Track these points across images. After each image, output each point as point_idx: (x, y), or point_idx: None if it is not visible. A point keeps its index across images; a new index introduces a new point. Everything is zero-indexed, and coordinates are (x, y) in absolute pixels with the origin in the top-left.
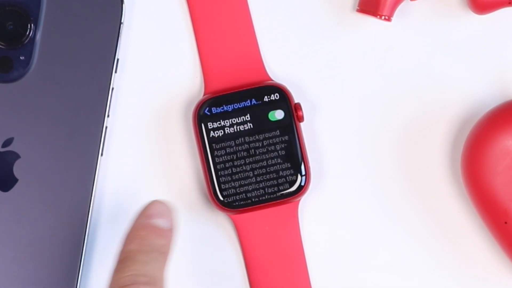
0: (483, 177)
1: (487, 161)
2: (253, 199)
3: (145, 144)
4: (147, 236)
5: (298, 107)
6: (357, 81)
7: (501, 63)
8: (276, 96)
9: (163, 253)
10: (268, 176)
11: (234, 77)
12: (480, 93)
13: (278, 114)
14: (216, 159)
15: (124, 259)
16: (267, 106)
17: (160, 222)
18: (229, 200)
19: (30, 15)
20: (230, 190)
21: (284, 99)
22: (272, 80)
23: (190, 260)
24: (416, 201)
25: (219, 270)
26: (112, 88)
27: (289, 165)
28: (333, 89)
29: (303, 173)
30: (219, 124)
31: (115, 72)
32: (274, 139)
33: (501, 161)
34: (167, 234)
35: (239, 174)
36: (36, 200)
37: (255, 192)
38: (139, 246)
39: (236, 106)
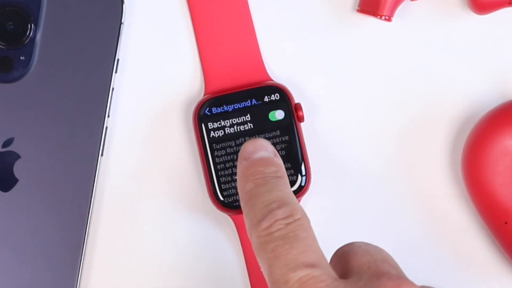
0: (483, 177)
1: (487, 161)
2: None
3: (145, 144)
4: (257, 171)
5: (298, 107)
6: (357, 81)
7: (501, 63)
8: (276, 96)
9: (279, 177)
10: None
11: (234, 77)
12: (480, 93)
13: (278, 114)
14: (216, 159)
15: (248, 200)
16: (267, 106)
17: (261, 154)
18: (229, 200)
19: (30, 15)
20: (230, 190)
21: (284, 99)
22: (272, 80)
23: (190, 260)
24: (416, 201)
25: (219, 270)
26: (113, 88)
27: (289, 165)
28: (333, 89)
29: (303, 173)
30: (219, 124)
31: (115, 72)
32: (274, 139)
33: (501, 161)
34: (273, 160)
35: None
36: (36, 200)
37: None
38: (254, 183)
39: (236, 106)
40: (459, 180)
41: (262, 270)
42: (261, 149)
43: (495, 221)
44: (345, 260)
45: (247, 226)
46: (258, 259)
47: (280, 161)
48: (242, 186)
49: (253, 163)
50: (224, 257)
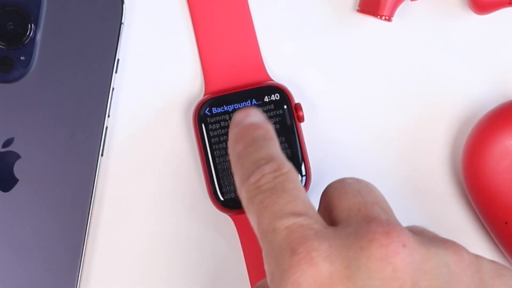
0: (484, 177)
1: (488, 161)
2: None
3: (145, 144)
4: (247, 134)
5: (298, 107)
6: (357, 81)
7: (501, 63)
8: (276, 96)
9: (268, 139)
10: None
11: (235, 77)
12: (481, 93)
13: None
14: (216, 159)
15: (237, 161)
16: (267, 106)
17: (251, 119)
18: (229, 200)
19: (30, 15)
20: (230, 190)
21: (285, 99)
22: (272, 80)
23: (190, 260)
24: (416, 201)
25: (219, 270)
26: (113, 88)
27: None
28: (333, 89)
29: (303, 173)
30: (219, 124)
31: (116, 72)
32: None
33: (501, 161)
34: (263, 124)
35: None
36: (36, 200)
37: None
38: (244, 143)
39: (236, 106)
40: (459, 180)
41: (251, 224)
42: (252, 115)
43: (495, 221)
44: (335, 199)
45: (237, 185)
46: (247, 214)
47: (270, 126)
48: (232, 149)
49: (243, 127)
50: (224, 257)
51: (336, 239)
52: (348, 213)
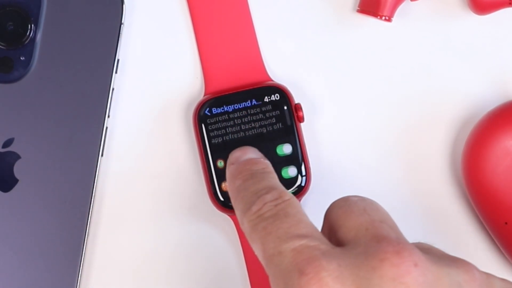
0: (484, 178)
1: (488, 161)
2: None
3: (145, 145)
4: (244, 169)
5: (298, 107)
6: (357, 81)
7: (501, 63)
8: (276, 96)
9: (267, 172)
10: None
11: (235, 77)
12: (481, 93)
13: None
14: (216, 159)
15: (237, 195)
16: (267, 107)
17: (248, 155)
18: (229, 200)
19: (30, 15)
20: None
21: (285, 100)
22: (272, 80)
23: (190, 260)
24: (416, 201)
25: (219, 270)
26: (113, 89)
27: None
28: (333, 89)
29: (303, 173)
30: (219, 124)
31: (116, 72)
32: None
33: (501, 162)
34: (261, 159)
35: None
36: (36, 200)
37: None
38: (242, 178)
39: (236, 106)
40: (459, 180)
41: (256, 253)
42: (249, 152)
43: (495, 221)
44: (340, 218)
45: (238, 217)
46: (251, 244)
47: (267, 161)
48: (232, 185)
49: (241, 163)
50: (224, 257)
51: (346, 259)
52: (355, 233)
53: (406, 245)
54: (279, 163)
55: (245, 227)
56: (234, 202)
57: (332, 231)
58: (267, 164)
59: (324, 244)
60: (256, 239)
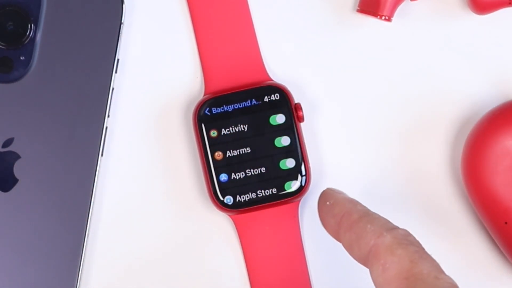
0: (483, 177)
1: (487, 161)
2: (253, 199)
3: (145, 144)
4: (349, 208)
5: (298, 107)
6: (357, 81)
7: (501, 63)
8: (276, 96)
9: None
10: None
11: (234, 77)
12: (480, 93)
13: (279, 119)
14: (216, 159)
15: (366, 214)
16: (267, 106)
17: (344, 194)
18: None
19: (30, 15)
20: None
21: (284, 99)
22: (272, 80)
23: (190, 260)
24: (416, 201)
25: (219, 270)
26: (113, 88)
27: None
28: (333, 89)
29: (303, 173)
30: (219, 124)
31: (115, 72)
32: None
33: (501, 161)
34: (356, 200)
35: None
36: (36, 200)
37: (255, 192)
38: (358, 215)
39: (236, 106)
40: (459, 180)
41: (387, 265)
42: (338, 192)
43: (495, 221)
44: None
45: (376, 231)
46: (386, 254)
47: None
48: (348, 208)
49: (340, 202)
50: (224, 257)
51: None
52: None
53: None
54: (279, 161)
55: (387, 239)
56: (359, 218)
57: None
58: (361, 204)
59: None
60: (403, 254)
